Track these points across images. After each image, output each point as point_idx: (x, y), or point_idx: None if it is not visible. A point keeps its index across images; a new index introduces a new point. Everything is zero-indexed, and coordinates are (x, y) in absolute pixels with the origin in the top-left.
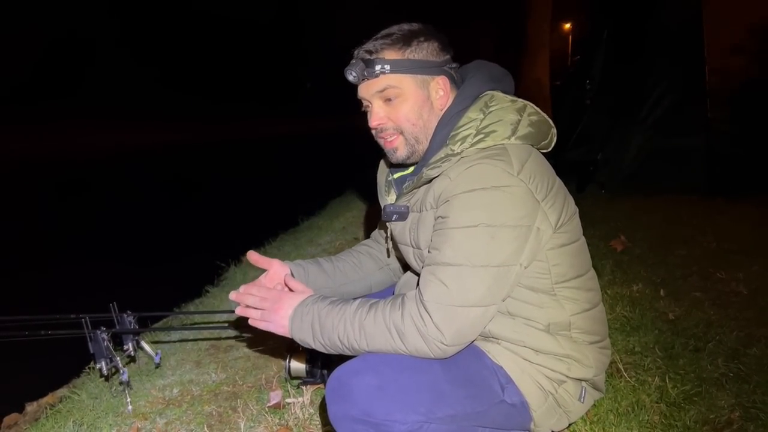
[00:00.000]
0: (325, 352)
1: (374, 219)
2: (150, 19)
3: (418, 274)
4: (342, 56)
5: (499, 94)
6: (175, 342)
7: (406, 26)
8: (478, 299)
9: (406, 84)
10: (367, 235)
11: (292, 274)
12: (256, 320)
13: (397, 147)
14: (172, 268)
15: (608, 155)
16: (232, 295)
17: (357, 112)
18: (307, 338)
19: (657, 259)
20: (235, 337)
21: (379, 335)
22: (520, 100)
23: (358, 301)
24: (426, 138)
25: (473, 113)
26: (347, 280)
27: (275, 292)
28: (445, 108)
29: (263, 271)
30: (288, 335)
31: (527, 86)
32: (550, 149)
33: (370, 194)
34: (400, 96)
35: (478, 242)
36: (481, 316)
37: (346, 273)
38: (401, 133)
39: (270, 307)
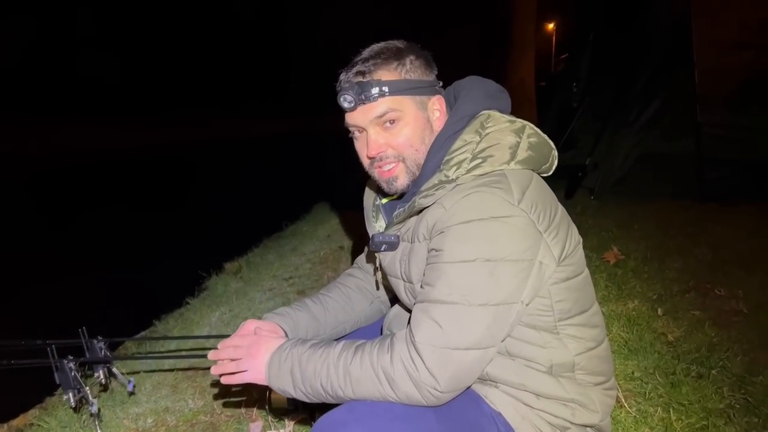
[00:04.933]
0: (307, 401)
1: (359, 226)
2: (135, 18)
3: (408, 309)
4: (326, 56)
5: (496, 114)
6: (151, 363)
7: (392, 44)
8: (476, 341)
9: (407, 106)
10: (353, 244)
11: (284, 331)
12: (231, 377)
13: (397, 176)
14: (151, 278)
15: (597, 160)
16: (211, 355)
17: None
18: (286, 387)
19: (652, 272)
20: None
21: (366, 381)
22: (519, 120)
23: (342, 343)
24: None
25: (468, 135)
26: (338, 322)
27: (250, 337)
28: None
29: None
30: (266, 383)
31: (512, 87)
32: (551, 173)
33: (355, 198)
34: (402, 120)
35: (475, 278)
36: (479, 359)
37: (337, 315)
38: (403, 160)
39: (246, 353)
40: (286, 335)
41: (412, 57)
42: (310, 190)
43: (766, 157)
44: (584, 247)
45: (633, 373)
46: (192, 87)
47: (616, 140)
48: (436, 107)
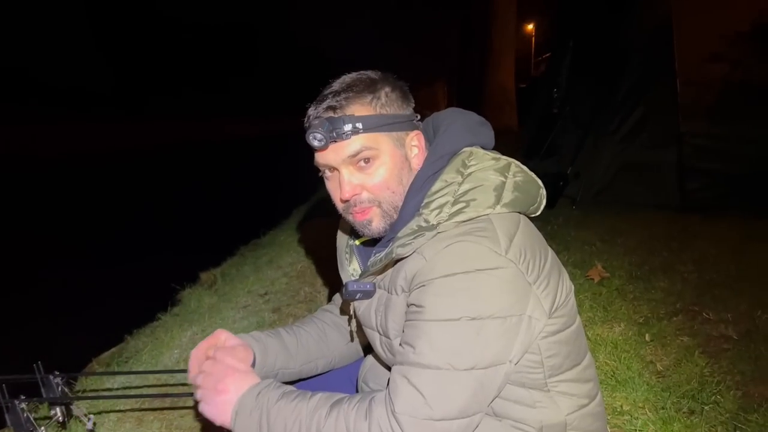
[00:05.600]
0: None
1: (336, 238)
2: (111, 19)
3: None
4: (302, 53)
5: (479, 151)
6: (116, 392)
7: (365, 75)
8: (461, 410)
9: (383, 144)
10: (332, 256)
11: (254, 353)
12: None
13: (371, 219)
14: (121, 290)
15: (578, 169)
16: (190, 377)
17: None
18: None
19: (637, 292)
20: (182, 394)
21: None
22: (503, 157)
23: (317, 396)
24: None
25: (449, 175)
26: (310, 359)
27: (221, 366)
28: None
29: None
30: (229, 428)
31: (492, 92)
32: (539, 213)
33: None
34: (377, 158)
35: (461, 340)
36: (465, 428)
37: (310, 351)
38: (378, 204)
39: (212, 387)
40: (254, 359)
41: (387, 89)
42: (290, 194)
43: (748, 167)
44: (567, 263)
45: (621, 406)
46: (161, 85)
47: (598, 149)
48: (414, 143)
